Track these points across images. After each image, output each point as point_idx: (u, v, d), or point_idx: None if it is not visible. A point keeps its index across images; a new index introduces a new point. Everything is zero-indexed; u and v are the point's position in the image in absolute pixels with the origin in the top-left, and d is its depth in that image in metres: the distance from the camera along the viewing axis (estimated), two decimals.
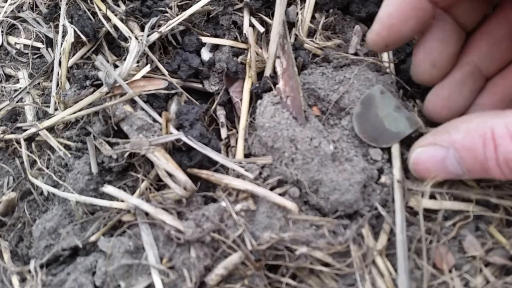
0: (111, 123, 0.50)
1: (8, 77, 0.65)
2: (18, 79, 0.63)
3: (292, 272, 0.45)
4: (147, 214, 0.46)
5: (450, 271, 0.42)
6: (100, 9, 0.58)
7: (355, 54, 0.53)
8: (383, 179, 0.46)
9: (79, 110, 0.52)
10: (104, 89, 0.52)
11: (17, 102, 0.60)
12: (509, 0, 0.44)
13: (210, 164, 0.49)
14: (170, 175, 0.47)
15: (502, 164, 0.38)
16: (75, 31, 0.57)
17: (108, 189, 0.47)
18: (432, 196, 0.45)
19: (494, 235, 0.43)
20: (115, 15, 0.57)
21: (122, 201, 0.47)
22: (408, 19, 0.44)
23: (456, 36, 0.47)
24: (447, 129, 0.43)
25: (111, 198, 0.49)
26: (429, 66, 0.47)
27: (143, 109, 0.51)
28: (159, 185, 0.50)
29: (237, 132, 0.53)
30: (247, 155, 0.51)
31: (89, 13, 0.59)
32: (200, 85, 0.57)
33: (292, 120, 0.48)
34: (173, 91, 0.54)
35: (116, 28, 0.58)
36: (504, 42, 0.45)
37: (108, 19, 0.58)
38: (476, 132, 0.39)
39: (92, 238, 0.46)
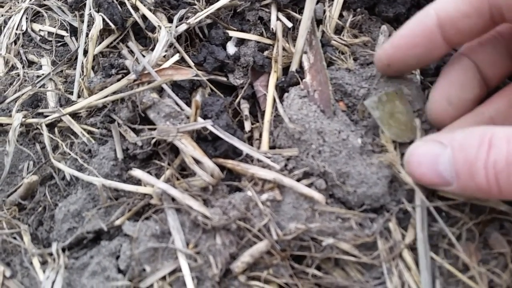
0: (138, 110, 0.50)
1: (30, 63, 0.65)
2: (41, 66, 0.63)
3: (317, 264, 0.45)
4: (173, 199, 0.46)
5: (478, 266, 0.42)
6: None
7: None
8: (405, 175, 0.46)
9: (106, 96, 0.52)
10: (132, 76, 0.52)
11: (39, 87, 0.59)
12: None
13: (234, 155, 0.49)
14: (197, 162, 0.47)
15: (489, 166, 0.35)
16: (103, 19, 0.57)
17: (137, 172, 0.46)
18: None
19: None
20: (144, 6, 0.58)
21: (146, 186, 0.47)
22: (416, 46, 0.44)
23: (476, 85, 0.46)
24: (454, 128, 0.42)
25: (136, 184, 0.49)
26: (446, 104, 0.46)
27: (170, 97, 0.52)
28: (182, 174, 0.50)
29: (261, 125, 0.54)
30: (271, 148, 0.51)
31: (116, 3, 0.59)
32: (224, 78, 0.58)
33: (320, 113, 0.48)
34: (198, 80, 0.55)
35: (144, 18, 0.58)
36: None
37: (136, 9, 0.58)
38: (477, 133, 0.37)
39: (117, 222, 0.46)
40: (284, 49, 0.55)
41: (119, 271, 0.43)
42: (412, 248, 0.44)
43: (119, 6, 0.59)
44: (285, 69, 0.56)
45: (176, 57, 0.54)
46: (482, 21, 0.42)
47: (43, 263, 0.46)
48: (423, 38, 0.44)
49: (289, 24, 0.56)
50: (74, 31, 0.65)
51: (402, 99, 0.48)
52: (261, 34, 0.58)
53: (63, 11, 0.67)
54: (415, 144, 0.43)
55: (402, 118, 0.47)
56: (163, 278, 0.42)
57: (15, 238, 0.48)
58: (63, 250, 0.46)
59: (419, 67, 0.49)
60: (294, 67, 0.54)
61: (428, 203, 0.44)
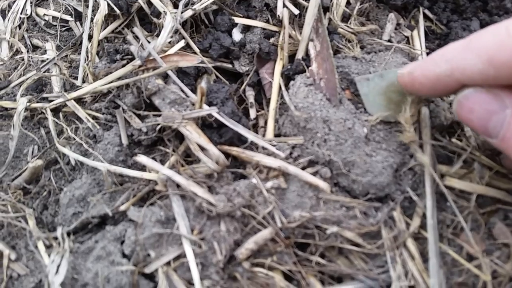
0: (143, 96, 0.50)
1: (35, 48, 0.64)
2: (46, 50, 0.63)
3: (321, 252, 0.45)
4: (178, 186, 0.46)
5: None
6: None
7: (389, 41, 0.54)
8: (415, 163, 0.46)
9: (111, 82, 0.52)
10: (137, 62, 0.51)
11: (44, 72, 0.59)
12: None
13: (239, 142, 0.49)
14: (202, 149, 0.47)
15: None
16: (108, 4, 0.57)
17: (141, 158, 0.46)
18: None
19: None
20: None
21: (151, 172, 0.47)
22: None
23: None
24: None
25: (141, 169, 0.49)
26: None
27: (175, 84, 0.51)
28: (187, 161, 0.50)
29: (266, 113, 0.54)
30: (277, 135, 0.51)
31: None
32: (230, 65, 0.57)
33: (326, 102, 0.48)
34: (203, 67, 0.54)
35: (149, 3, 0.58)
36: None
37: None
38: None
39: (122, 208, 0.46)
40: (290, 36, 0.55)
41: (124, 255, 0.44)
42: (416, 237, 0.45)
43: None
44: (291, 57, 0.55)
45: (182, 43, 0.53)
46: None
47: (48, 247, 0.47)
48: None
49: (296, 11, 0.56)
50: (78, 16, 0.65)
51: None
52: (267, 21, 0.58)
53: None
54: (474, 89, 0.39)
55: (395, 97, 0.47)
56: (168, 263, 0.43)
57: (20, 221, 0.48)
58: (68, 234, 0.47)
59: None
60: (300, 54, 0.53)
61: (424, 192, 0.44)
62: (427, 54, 0.54)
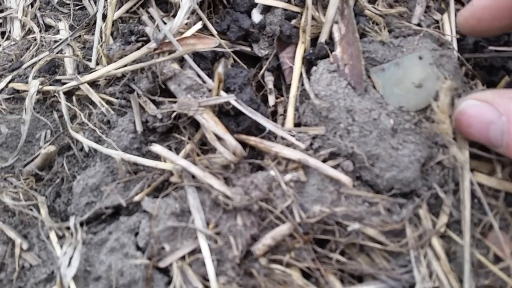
0: (158, 81, 0.48)
1: (48, 27, 0.62)
2: (59, 30, 0.61)
3: (341, 249, 0.43)
4: (193, 177, 0.44)
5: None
6: None
7: (418, 25, 0.50)
8: (443, 157, 0.44)
9: (125, 65, 0.50)
10: (152, 44, 0.49)
11: (57, 53, 0.57)
12: None
13: (257, 131, 0.47)
14: (218, 138, 0.45)
15: None
16: None
17: (156, 148, 0.45)
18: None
19: None
20: None
21: (166, 161, 0.46)
22: (502, 19, 0.41)
23: None
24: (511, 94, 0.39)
25: (155, 158, 0.47)
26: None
27: (191, 69, 0.49)
28: (203, 149, 0.48)
29: (286, 100, 0.51)
30: (296, 124, 0.48)
31: None
32: (248, 49, 0.55)
33: (350, 90, 0.45)
34: (221, 51, 0.52)
35: None
36: None
37: None
38: None
39: (136, 198, 0.44)
40: (313, 18, 0.52)
41: (138, 248, 0.43)
42: (442, 236, 0.42)
43: None
44: (314, 40, 0.52)
45: (199, 25, 0.51)
46: None
47: (61, 237, 0.46)
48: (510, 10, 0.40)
49: None
50: None
51: (424, 65, 0.45)
52: (289, 1, 0.55)
53: None
54: (468, 102, 0.40)
55: (413, 86, 0.44)
56: (183, 258, 0.41)
57: (31, 210, 0.47)
58: (81, 224, 0.45)
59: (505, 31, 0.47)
60: (323, 38, 0.50)
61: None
62: (457, 40, 0.51)
